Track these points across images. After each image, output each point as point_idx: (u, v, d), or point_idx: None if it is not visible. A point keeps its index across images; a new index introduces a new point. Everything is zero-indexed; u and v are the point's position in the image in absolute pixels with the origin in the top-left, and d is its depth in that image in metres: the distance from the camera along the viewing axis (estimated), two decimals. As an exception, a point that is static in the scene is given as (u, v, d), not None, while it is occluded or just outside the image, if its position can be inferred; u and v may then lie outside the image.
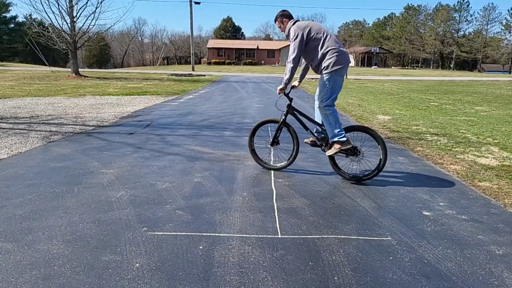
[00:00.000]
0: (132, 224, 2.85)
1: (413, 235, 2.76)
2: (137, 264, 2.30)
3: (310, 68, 4.02)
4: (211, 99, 12.25)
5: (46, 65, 30.72)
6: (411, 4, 79.42)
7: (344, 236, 2.73)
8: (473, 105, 11.59)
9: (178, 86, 16.94)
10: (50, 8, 28.29)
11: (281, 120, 4.11)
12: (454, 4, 72.79)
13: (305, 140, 4.17)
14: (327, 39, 3.69)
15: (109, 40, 60.59)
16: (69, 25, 19.57)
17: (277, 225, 2.89)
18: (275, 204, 3.31)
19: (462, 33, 73.97)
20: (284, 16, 3.89)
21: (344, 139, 3.76)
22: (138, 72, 32.41)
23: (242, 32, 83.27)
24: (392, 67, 68.19)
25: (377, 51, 66.32)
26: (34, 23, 21.43)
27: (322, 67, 3.70)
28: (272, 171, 4.24)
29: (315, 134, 4.10)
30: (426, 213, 3.18)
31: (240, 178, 4.02)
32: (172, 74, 27.26)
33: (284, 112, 4.11)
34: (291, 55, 3.67)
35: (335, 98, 3.78)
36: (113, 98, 11.89)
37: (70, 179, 3.84)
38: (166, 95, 13.04)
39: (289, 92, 4.04)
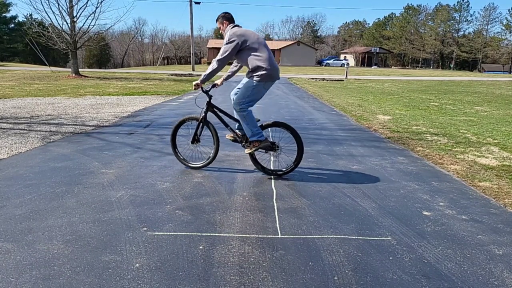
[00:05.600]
0: (132, 224, 2.85)
1: (413, 235, 2.76)
2: (137, 264, 2.30)
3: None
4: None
5: (46, 65, 30.71)
6: (411, 4, 79.53)
7: (344, 236, 2.73)
8: (473, 105, 11.59)
9: (178, 86, 16.95)
10: (50, 8, 28.43)
11: (201, 117, 4.12)
12: (454, 4, 72.86)
13: (226, 136, 4.27)
14: (264, 50, 3.81)
15: (109, 40, 60.52)
16: (69, 25, 19.56)
17: (277, 225, 2.89)
18: (275, 204, 3.31)
19: (462, 33, 74.05)
20: (225, 18, 3.99)
21: (263, 138, 3.94)
22: (138, 72, 32.41)
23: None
24: (392, 67, 68.17)
25: (377, 51, 66.41)
26: (34, 23, 21.47)
27: (255, 75, 3.80)
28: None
29: (236, 131, 4.18)
30: (426, 213, 3.18)
31: (240, 178, 4.02)
32: (172, 74, 27.26)
33: (204, 109, 4.12)
34: (219, 56, 3.77)
35: (252, 104, 3.92)
36: (113, 98, 11.89)
37: (70, 179, 3.84)
38: (166, 95, 13.05)
39: (209, 90, 4.12)
